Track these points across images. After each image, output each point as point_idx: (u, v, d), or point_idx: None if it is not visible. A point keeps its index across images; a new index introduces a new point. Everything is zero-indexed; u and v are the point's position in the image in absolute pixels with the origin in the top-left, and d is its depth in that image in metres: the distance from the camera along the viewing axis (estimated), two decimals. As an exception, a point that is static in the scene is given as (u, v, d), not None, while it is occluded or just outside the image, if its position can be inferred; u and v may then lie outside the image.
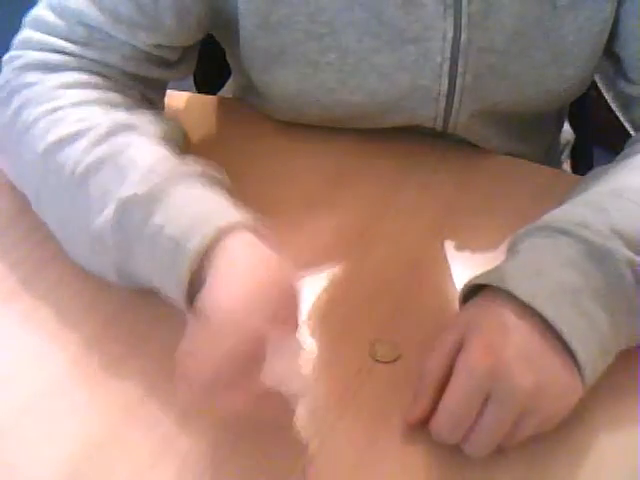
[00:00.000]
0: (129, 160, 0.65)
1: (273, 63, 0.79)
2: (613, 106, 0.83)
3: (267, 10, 0.75)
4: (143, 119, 0.70)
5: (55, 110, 0.69)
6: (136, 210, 0.62)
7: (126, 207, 0.62)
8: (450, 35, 0.74)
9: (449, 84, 0.77)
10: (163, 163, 0.65)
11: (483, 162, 0.83)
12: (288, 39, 0.76)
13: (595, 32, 0.76)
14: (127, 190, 0.63)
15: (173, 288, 0.61)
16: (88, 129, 0.67)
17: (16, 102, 0.71)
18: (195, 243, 0.59)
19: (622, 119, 0.83)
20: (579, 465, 0.59)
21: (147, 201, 0.62)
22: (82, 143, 0.66)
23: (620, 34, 0.77)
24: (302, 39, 0.76)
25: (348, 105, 0.80)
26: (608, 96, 0.84)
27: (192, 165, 0.66)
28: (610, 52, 0.79)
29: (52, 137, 0.67)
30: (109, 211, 0.63)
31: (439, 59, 0.76)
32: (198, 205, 0.63)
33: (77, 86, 0.71)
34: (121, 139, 0.67)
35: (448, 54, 0.75)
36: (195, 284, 0.60)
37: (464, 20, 0.74)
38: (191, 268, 0.59)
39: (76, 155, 0.66)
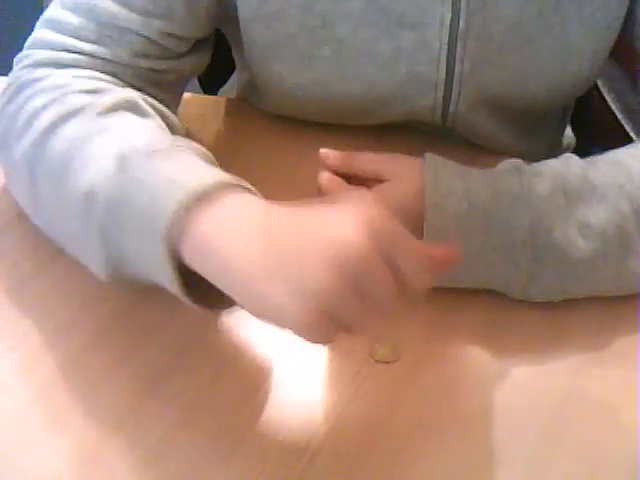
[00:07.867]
0: (126, 131, 0.65)
1: (269, 56, 0.79)
2: (614, 108, 0.83)
3: (260, 2, 0.75)
4: (148, 102, 0.70)
5: (65, 95, 0.68)
6: (137, 157, 0.61)
7: (127, 158, 0.61)
8: (448, 21, 0.74)
9: (447, 71, 0.77)
10: (162, 136, 0.65)
11: (484, 162, 0.83)
12: (282, 32, 0.77)
13: (599, 28, 0.76)
14: (131, 145, 0.62)
15: (166, 215, 0.57)
16: (91, 104, 0.67)
17: (26, 93, 0.70)
18: (198, 180, 0.58)
19: (628, 127, 0.83)
20: (578, 465, 0.60)
21: (150, 152, 0.62)
22: (85, 115, 0.66)
23: None
24: (296, 32, 0.76)
25: (345, 98, 0.80)
26: (609, 97, 0.84)
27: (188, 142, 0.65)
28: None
29: (55, 115, 0.67)
30: (108, 161, 0.62)
31: (437, 44, 0.76)
32: (200, 164, 0.62)
33: (89, 77, 0.71)
34: (125, 114, 0.67)
35: (446, 40, 0.75)
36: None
37: (463, 5, 0.74)
38: (193, 196, 0.57)
39: (80, 124, 0.65)
